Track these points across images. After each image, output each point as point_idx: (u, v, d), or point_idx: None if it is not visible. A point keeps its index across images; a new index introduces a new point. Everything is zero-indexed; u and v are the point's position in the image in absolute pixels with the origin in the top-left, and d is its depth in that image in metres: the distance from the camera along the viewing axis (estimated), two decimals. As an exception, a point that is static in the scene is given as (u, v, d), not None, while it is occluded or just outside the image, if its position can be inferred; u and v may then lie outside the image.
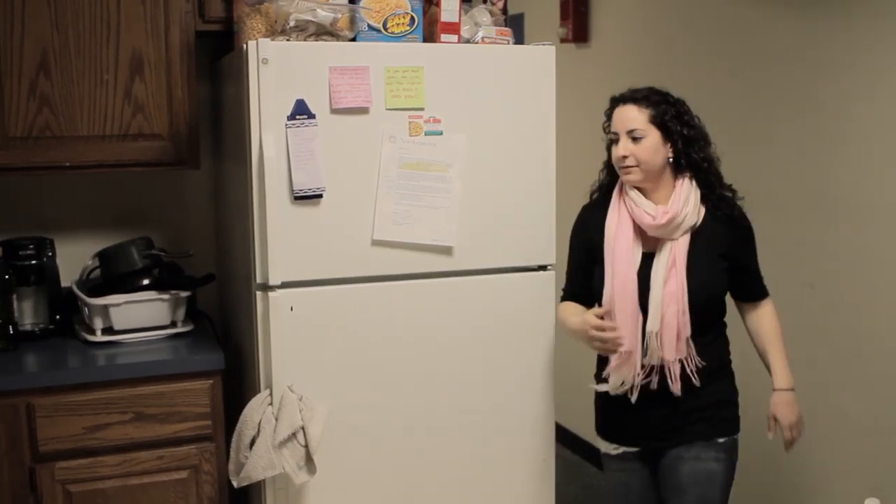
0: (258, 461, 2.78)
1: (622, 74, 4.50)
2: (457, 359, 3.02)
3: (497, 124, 2.99)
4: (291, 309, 2.82)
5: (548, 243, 3.09)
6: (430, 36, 2.98)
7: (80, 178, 3.39)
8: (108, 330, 3.09)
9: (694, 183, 2.72)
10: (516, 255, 3.06)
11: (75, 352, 3.06)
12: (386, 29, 2.91)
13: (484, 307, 3.03)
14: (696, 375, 2.71)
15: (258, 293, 2.82)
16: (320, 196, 2.82)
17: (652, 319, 2.68)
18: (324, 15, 2.87)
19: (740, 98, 3.82)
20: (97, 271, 3.27)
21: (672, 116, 2.69)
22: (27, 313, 3.19)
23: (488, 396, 3.07)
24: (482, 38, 3.04)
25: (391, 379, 2.97)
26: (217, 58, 3.36)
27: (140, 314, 3.11)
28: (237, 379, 3.14)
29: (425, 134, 2.90)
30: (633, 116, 2.70)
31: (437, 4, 2.95)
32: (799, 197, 3.55)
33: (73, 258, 3.35)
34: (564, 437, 4.90)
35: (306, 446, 2.81)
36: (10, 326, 3.06)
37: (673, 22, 4.24)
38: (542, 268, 3.10)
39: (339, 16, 2.88)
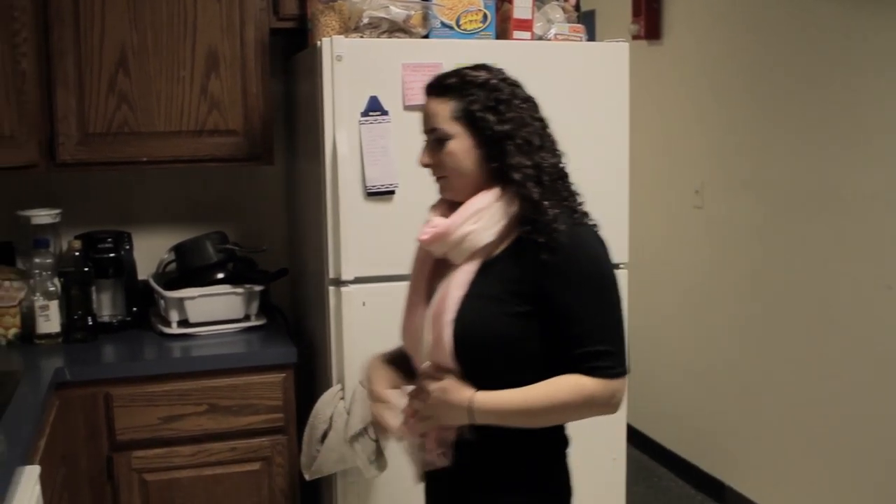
0: (330, 455, 2.80)
1: (695, 73, 4.47)
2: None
3: (569, 122, 2.94)
4: (364, 304, 2.84)
5: (620, 242, 3.06)
6: (502, 33, 2.98)
7: (157, 173, 3.44)
8: (184, 322, 3.14)
9: (506, 197, 1.96)
10: (589, 253, 3.04)
11: (152, 343, 3.11)
12: (458, 26, 2.91)
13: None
14: (448, 451, 2.09)
15: (331, 288, 2.84)
16: (393, 192, 2.83)
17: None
18: (397, 12, 2.88)
19: (818, 97, 3.75)
20: (173, 265, 3.33)
21: (485, 107, 1.97)
22: (105, 305, 3.25)
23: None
24: (555, 35, 3.03)
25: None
26: (291, 55, 3.40)
27: (214, 308, 3.16)
28: (309, 373, 3.17)
29: (497, 130, 2.89)
30: (434, 111, 2.02)
31: (510, 1, 2.95)
32: (877, 196, 3.48)
33: (150, 252, 3.41)
34: (633, 437, 4.88)
35: (377, 441, 2.83)
36: (89, 318, 3.13)
37: (748, 19, 4.18)
38: (615, 266, 3.07)
39: (412, 13, 2.90)
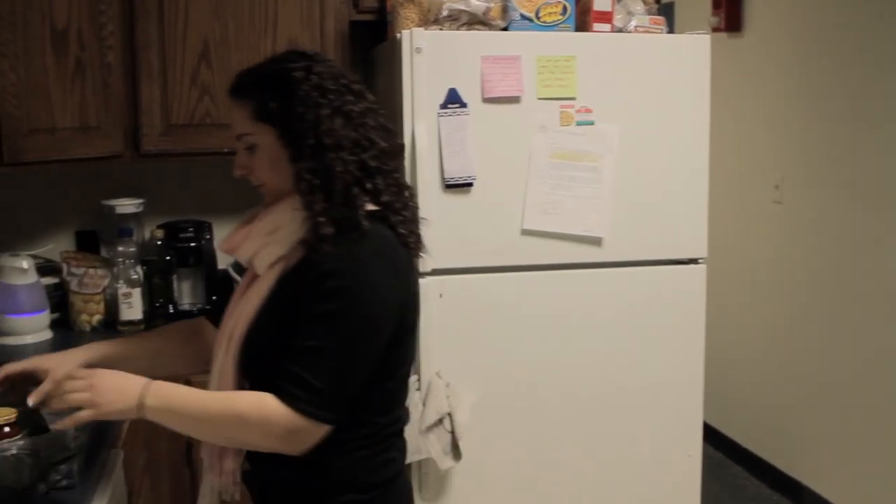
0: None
1: (776, 66, 4.40)
2: (604, 351, 3.00)
3: (649, 115, 2.95)
4: (440, 296, 2.85)
5: (699, 236, 3.04)
6: (582, 25, 2.96)
7: (237, 164, 3.48)
8: (262, 312, 3.17)
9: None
10: (667, 248, 3.02)
11: (230, 332, 3.15)
12: (538, 18, 2.90)
13: (632, 300, 3.00)
14: (237, 483, 1.90)
15: (408, 280, 2.85)
16: (471, 184, 2.84)
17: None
18: (476, 4, 2.88)
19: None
20: (252, 255, 3.36)
21: (282, 104, 1.75)
22: (185, 293, 3.31)
23: (635, 390, 3.04)
24: (635, 28, 3.01)
25: (537, 368, 2.97)
26: (370, 47, 3.41)
27: (292, 297, 3.18)
28: (385, 364, 3.19)
29: (577, 124, 2.89)
30: (235, 116, 1.82)
31: (590, -7, 2.93)
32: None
33: (230, 241, 3.45)
34: (708, 435, 4.82)
35: (452, 432, 2.84)
36: (170, 306, 3.18)
37: (831, 10, 4.10)
38: (693, 261, 3.05)
39: (492, 5, 2.90)
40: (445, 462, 2.86)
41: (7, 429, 1.66)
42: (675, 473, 3.12)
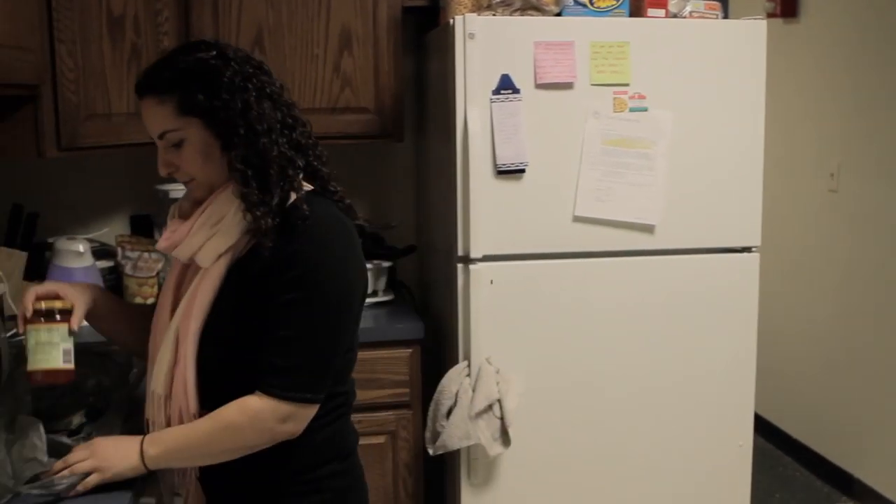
0: (454, 431, 2.82)
1: (833, 52, 4.34)
2: (655, 339, 2.98)
3: (704, 101, 2.92)
4: (491, 282, 2.85)
5: (753, 224, 3.00)
6: (636, 10, 2.94)
7: (289, 149, 3.50)
8: (313, 297, 3.19)
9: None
10: (720, 236, 2.99)
11: (282, 317, 3.17)
12: (592, 4, 2.88)
13: (685, 288, 2.98)
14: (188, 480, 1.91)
15: (459, 266, 2.86)
16: (523, 171, 2.83)
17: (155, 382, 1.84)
18: (529, -11, 2.87)
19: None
20: (303, 240, 3.38)
21: (209, 95, 1.71)
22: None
23: (686, 379, 3.02)
24: (690, 13, 2.98)
25: (588, 356, 2.96)
26: (422, 33, 3.41)
27: (343, 283, 3.20)
28: (435, 349, 3.19)
29: (630, 110, 2.86)
30: (156, 114, 1.75)
31: (645, -22, 2.91)
32: None
33: (281, 227, 3.47)
34: (759, 426, 4.78)
35: (502, 419, 2.84)
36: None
37: (891, -4, 4.04)
38: (746, 249, 3.02)
39: (546, -10, 2.88)
40: (494, 448, 2.86)
41: (48, 314, 1.70)
42: (725, 463, 3.09)
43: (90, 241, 3.20)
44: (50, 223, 3.30)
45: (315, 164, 1.81)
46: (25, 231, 3.15)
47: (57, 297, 1.85)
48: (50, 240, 3.17)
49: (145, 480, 1.83)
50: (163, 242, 1.85)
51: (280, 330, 1.71)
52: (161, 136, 1.76)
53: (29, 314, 1.81)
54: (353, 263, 1.79)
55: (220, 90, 1.71)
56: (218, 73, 1.72)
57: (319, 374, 1.76)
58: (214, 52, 1.75)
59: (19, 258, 3.08)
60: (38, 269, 3.11)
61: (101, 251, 3.28)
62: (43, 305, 1.69)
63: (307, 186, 1.79)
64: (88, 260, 3.13)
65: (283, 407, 1.71)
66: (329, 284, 1.72)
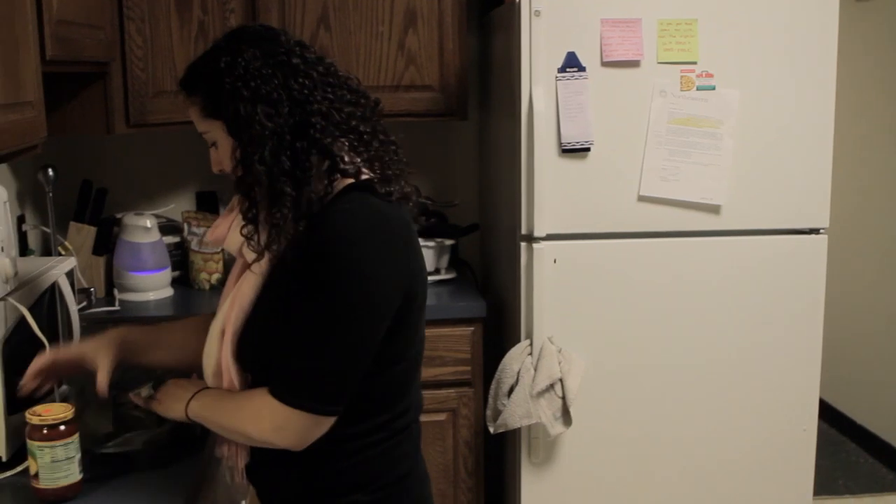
0: (515, 410, 2.83)
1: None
2: (719, 321, 2.95)
3: (772, 80, 2.88)
4: (555, 261, 2.84)
5: (821, 206, 2.95)
6: (705, -13, 2.90)
7: (353, 127, 3.51)
8: (376, 274, 3.21)
9: None
10: (787, 217, 2.95)
11: (345, 293, 3.19)
12: (660, -20, 2.85)
13: (750, 270, 2.94)
14: (243, 475, 1.81)
15: (522, 244, 2.85)
16: (588, 149, 2.81)
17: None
18: (597, -33, 2.84)
19: None
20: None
21: (223, 97, 1.61)
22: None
23: (750, 362, 2.99)
24: (760, -10, 2.92)
25: (650, 337, 2.94)
26: (487, 11, 3.40)
27: (406, 260, 3.21)
28: (497, 327, 3.19)
29: (697, 89, 2.83)
30: (191, 114, 1.71)
31: (715, -46, 2.86)
32: None
33: (345, 204, 3.49)
34: (824, 411, 4.72)
35: (563, 398, 2.83)
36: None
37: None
38: (814, 231, 2.97)
39: (613, -33, 2.85)
40: (555, 428, 2.86)
41: (63, 427, 1.66)
42: (789, 448, 3.06)
43: (157, 216, 3.25)
44: (118, 199, 3.36)
45: (355, 157, 1.67)
46: (94, 206, 3.21)
47: (78, 363, 1.84)
48: (118, 215, 3.23)
49: (199, 489, 1.86)
50: (208, 235, 1.82)
51: (293, 331, 1.58)
52: (203, 136, 1.72)
53: (29, 388, 1.83)
54: (389, 266, 1.60)
55: (222, 96, 1.61)
56: (220, 78, 1.61)
57: (335, 383, 1.58)
58: (230, 50, 1.63)
59: (89, 233, 3.14)
60: (106, 244, 3.17)
61: (167, 227, 3.33)
62: (49, 419, 1.64)
63: (348, 181, 1.65)
64: (155, 235, 3.18)
65: (281, 412, 1.57)
66: (354, 285, 1.56)
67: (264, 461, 1.72)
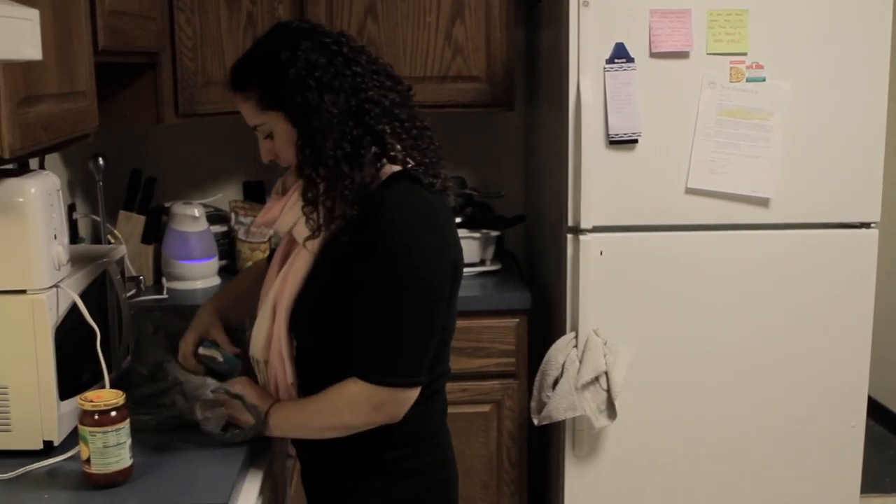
0: (560, 402, 2.82)
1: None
2: (767, 316, 2.92)
3: (824, 71, 2.84)
4: (601, 253, 2.83)
5: (872, 199, 2.91)
6: (756, -23, 2.86)
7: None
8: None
9: None
10: (838, 211, 2.91)
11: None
12: (710, -29, 2.82)
13: (799, 264, 2.91)
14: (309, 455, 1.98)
15: (569, 236, 2.84)
16: (636, 141, 2.79)
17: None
18: (646, -43, 2.82)
19: None
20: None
21: (279, 88, 1.73)
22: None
23: (798, 358, 2.96)
24: (812, -20, 2.89)
25: (697, 331, 2.92)
26: (534, 3, 3.39)
27: (451, 251, 3.21)
28: (542, 319, 3.19)
29: (747, 80, 2.80)
30: (244, 109, 1.81)
31: (766, -57, 2.83)
32: None
33: (391, 195, 3.50)
34: (872, 409, 4.66)
35: (608, 391, 2.82)
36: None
37: None
38: (865, 225, 2.93)
39: (662, -43, 2.83)
40: (600, 420, 2.85)
41: (114, 413, 1.68)
42: (836, 444, 3.02)
43: (205, 206, 3.27)
44: (167, 188, 3.39)
45: (399, 146, 1.77)
46: (143, 195, 3.24)
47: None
48: (167, 204, 3.26)
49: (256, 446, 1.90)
50: (259, 218, 1.93)
51: (369, 316, 1.72)
52: (255, 128, 1.81)
53: (189, 359, 2.02)
54: (441, 249, 1.76)
55: (287, 84, 1.71)
56: (287, 66, 1.71)
57: (415, 357, 1.76)
58: (287, 43, 1.73)
59: (137, 221, 3.18)
60: (154, 233, 3.20)
61: (214, 216, 3.36)
62: (101, 405, 1.67)
63: (394, 168, 1.77)
64: (203, 224, 3.20)
65: (378, 392, 1.73)
66: (416, 270, 1.71)
67: None
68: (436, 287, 1.74)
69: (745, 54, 2.79)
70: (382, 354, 1.73)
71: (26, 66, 1.57)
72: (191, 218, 3.17)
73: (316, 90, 1.69)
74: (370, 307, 1.72)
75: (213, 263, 3.23)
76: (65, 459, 1.78)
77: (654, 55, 2.77)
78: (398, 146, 1.77)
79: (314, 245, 1.78)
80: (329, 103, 1.69)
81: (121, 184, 3.25)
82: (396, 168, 1.77)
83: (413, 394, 1.76)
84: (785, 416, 2.98)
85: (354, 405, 1.75)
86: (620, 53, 2.76)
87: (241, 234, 3.29)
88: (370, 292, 1.71)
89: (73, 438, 1.77)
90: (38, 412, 1.79)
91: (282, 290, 1.83)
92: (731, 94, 2.80)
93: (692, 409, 2.95)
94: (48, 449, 1.81)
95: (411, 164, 1.78)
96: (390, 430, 1.79)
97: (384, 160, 1.76)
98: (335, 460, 1.88)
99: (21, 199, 1.73)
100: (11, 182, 1.75)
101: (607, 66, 2.75)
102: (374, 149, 1.74)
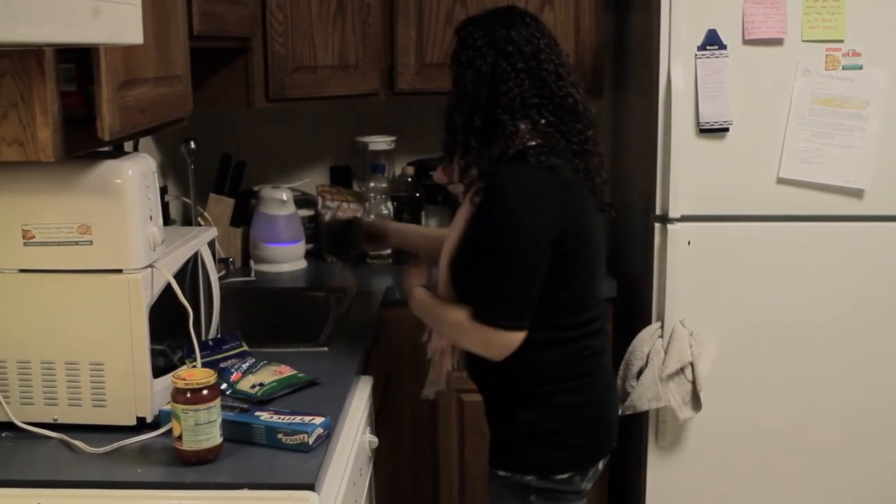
0: (644, 392, 2.80)
1: None
2: (858, 309, 2.86)
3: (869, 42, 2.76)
4: (689, 243, 2.79)
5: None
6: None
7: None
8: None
9: None
10: (935, 204, 2.83)
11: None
12: (806, -45, 2.76)
13: (893, 257, 2.84)
14: (455, 366, 2.34)
15: (657, 225, 2.81)
16: (727, 129, 2.75)
17: None
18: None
19: None
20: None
21: (456, 54, 2.15)
22: (432, 230, 3.39)
23: (888, 354, 2.89)
24: (913, -35, 2.81)
25: (785, 324, 2.87)
26: (624, -12, 3.35)
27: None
28: (627, 308, 3.16)
29: (843, 68, 2.74)
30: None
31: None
32: None
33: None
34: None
35: (693, 382, 2.79)
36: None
37: None
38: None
39: (758, -58, 2.77)
40: (684, 412, 2.82)
41: (205, 392, 1.71)
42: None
43: (292, 190, 3.31)
44: (256, 172, 3.44)
45: (530, 126, 2.05)
46: (233, 179, 3.29)
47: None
48: (255, 188, 3.31)
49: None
50: (436, 174, 2.46)
51: (477, 265, 2.03)
52: None
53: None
54: (540, 214, 1.99)
55: (459, 64, 2.11)
56: (462, 42, 2.11)
57: (515, 304, 2.01)
58: (474, 27, 2.10)
59: (227, 204, 3.23)
60: (243, 216, 3.25)
61: (302, 200, 3.40)
62: (193, 384, 1.70)
63: (531, 143, 2.04)
64: (291, 208, 3.24)
65: (484, 331, 2.02)
66: (510, 229, 1.98)
67: (481, 364, 2.12)
68: (533, 244, 1.98)
69: (841, 41, 2.73)
70: (487, 300, 2.02)
71: (126, 51, 1.60)
72: (279, 202, 3.21)
73: (465, 66, 2.09)
74: (479, 258, 2.02)
75: (300, 247, 3.28)
76: (157, 436, 1.82)
77: (747, 42, 2.73)
78: (526, 136, 2.04)
79: (467, 205, 2.08)
80: (469, 79, 2.07)
81: (211, 167, 3.30)
82: (533, 142, 2.04)
83: (517, 337, 2.01)
84: (876, 411, 2.92)
85: (470, 336, 2.06)
86: (713, 40, 2.71)
87: (327, 218, 3.32)
88: (479, 246, 2.03)
89: (164, 415, 1.81)
90: (132, 389, 1.83)
91: (447, 244, 2.15)
92: (827, 82, 2.74)
93: (777, 404, 2.91)
94: (141, 425, 1.85)
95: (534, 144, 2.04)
96: (540, 366, 2.08)
97: (508, 145, 2.03)
98: (493, 389, 2.20)
99: (119, 181, 1.77)
100: (109, 164, 1.79)
101: (699, 52, 2.72)
102: (499, 134, 2.04)
